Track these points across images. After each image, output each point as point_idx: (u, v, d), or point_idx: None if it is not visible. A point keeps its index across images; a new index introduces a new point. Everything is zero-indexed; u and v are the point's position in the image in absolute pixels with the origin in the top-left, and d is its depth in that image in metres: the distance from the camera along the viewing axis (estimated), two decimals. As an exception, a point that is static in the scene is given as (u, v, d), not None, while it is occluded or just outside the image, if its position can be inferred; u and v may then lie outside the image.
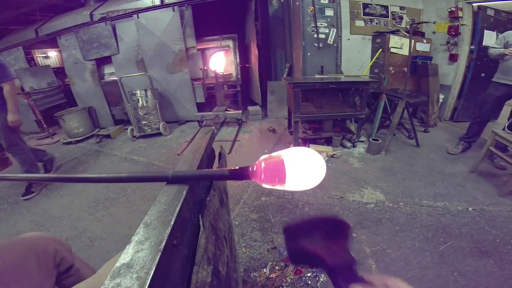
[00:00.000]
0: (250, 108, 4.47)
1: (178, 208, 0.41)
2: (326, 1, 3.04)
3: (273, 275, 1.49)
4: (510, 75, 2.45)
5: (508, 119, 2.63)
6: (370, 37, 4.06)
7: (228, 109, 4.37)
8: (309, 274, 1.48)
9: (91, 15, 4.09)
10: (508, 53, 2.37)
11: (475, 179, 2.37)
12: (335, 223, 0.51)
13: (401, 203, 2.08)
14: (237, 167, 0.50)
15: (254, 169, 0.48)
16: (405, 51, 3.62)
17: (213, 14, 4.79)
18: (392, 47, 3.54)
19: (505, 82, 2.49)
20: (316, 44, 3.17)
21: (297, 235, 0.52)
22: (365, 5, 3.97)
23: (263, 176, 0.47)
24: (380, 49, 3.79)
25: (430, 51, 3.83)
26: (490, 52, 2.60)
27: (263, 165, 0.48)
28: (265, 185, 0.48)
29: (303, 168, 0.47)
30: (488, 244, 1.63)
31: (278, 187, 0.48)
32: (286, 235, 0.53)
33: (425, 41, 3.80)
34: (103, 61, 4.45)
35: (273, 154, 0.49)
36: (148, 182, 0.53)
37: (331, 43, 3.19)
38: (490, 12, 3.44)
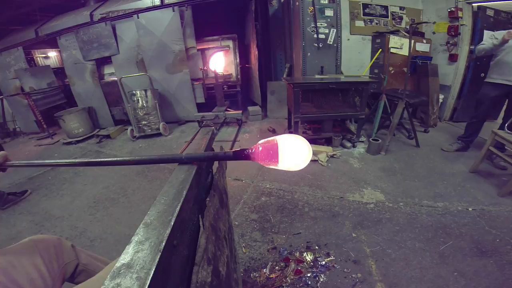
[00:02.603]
0: (250, 108, 4.46)
1: (178, 208, 0.41)
2: (326, 2, 3.05)
3: (273, 275, 1.49)
4: (505, 74, 2.41)
5: (504, 118, 2.63)
6: (370, 37, 4.06)
7: (228, 109, 4.37)
8: (309, 274, 1.48)
9: (91, 15, 4.09)
10: (508, 37, 2.21)
11: (475, 179, 2.37)
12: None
13: (401, 203, 2.08)
14: (238, 149, 0.59)
15: (253, 150, 0.57)
16: (405, 51, 3.62)
17: (213, 14, 4.79)
18: (392, 47, 3.53)
19: (500, 82, 2.45)
20: (316, 44, 3.17)
21: None
22: (365, 5, 3.97)
23: (260, 156, 0.57)
24: (380, 49, 3.79)
25: (430, 51, 3.83)
26: (482, 47, 2.48)
27: (260, 148, 0.57)
28: (261, 163, 0.58)
29: (293, 150, 0.57)
30: (488, 244, 1.63)
31: (273, 166, 0.57)
32: None
33: (425, 41, 3.80)
34: (103, 62, 4.45)
35: (269, 138, 0.58)
36: (162, 164, 0.65)
37: (331, 43, 3.20)
38: (490, 13, 3.44)
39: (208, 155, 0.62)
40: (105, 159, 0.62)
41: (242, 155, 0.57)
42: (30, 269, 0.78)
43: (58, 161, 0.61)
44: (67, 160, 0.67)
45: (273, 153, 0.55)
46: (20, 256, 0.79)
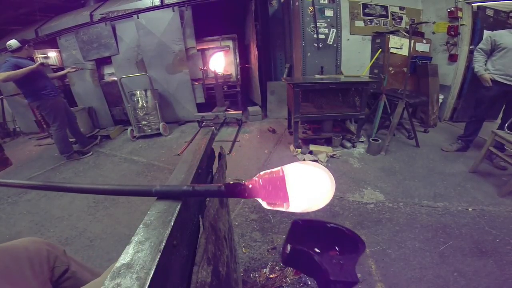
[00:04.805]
0: (250, 108, 4.46)
1: (178, 209, 0.41)
2: (326, 2, 3.05)
3: (273, 276, 1.49)
4: (503, 74, 2.42)
5: (502, 118, 2.63)
6: (370, 38, 4.07)
7: (228, 109, 4.37)
8: (309, 274, 1.48)
9: (91, 16, 4.09)
10: (485, 82, 2.49)
11: (475, 179, 2.37)
12: (351, 238, 0.47)
13: (401, 203, 2.08)
14: (230, 183, 0.43)
15: (251, 186, 0.42)
16: (404, 52, 3.63)
17: (213, 14, 4.79)
18: (392, 47, 3.54)
19: (498, 79, 2.45)
20: (316, 45, 3.17)
21: (303, 235, 0.49)
22: (365, 6, 3.98)
23: (262, 195, 0.41)
24: (380, 50, 3.80)
25: (429, 51, 3.83)
26: (474, 65, 2.62)
27: (261, 181, 0.41)
28: (266, 206, 0.41)
29: (307, 187, 0.40)
30: (488, 244, 1.63)
31: (280, 208, 0.40)
32: (291, 229, 0.50)
33: (424, 41, 3.80)
34: (103, 62, 4.45)
35: (274, 169, 0.42)
36: (132, 196, 0.48)
37: (331, 43, 3.20)
38: (490, 13, 3.45)
39: (182, 190, 0.44)
40: (72, 185, 0.52)
41: (235, 191, 0.42)
42: (15, 273, 0.75)
43: (22, 182, 0.54)
44: (30, 182, 0.59)
45: (279, 190, 0.39)
46: (6, 259, 0.76)
